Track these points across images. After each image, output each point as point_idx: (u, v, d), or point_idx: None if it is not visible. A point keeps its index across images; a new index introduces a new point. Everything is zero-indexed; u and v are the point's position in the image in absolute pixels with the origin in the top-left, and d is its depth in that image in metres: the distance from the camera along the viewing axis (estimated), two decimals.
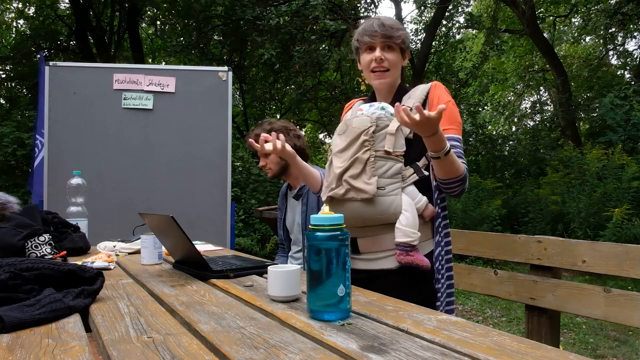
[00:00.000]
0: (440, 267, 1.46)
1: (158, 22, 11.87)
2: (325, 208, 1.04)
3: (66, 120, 3.33)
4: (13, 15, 11.70)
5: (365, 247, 1.48)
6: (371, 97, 1.66)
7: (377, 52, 1.52)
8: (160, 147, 3.43)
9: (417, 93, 1.51)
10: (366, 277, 1.43)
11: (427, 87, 1.52)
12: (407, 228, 1.39)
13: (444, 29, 11.08)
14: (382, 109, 1.48)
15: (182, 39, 9.12)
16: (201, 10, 8.49)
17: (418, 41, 11.21)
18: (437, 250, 1.47)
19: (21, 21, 11.59)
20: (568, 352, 0.76)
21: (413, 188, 1.45)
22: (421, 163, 1.47)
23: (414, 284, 1.43)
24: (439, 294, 1.46)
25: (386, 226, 1.42)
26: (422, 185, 1.46)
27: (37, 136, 4.20)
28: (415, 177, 1.44)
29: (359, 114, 1.52)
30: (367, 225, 1.44)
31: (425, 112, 1.24)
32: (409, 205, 1.41)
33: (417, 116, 1.24)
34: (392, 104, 1.52)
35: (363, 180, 1.39)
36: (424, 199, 1.45)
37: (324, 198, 1.52)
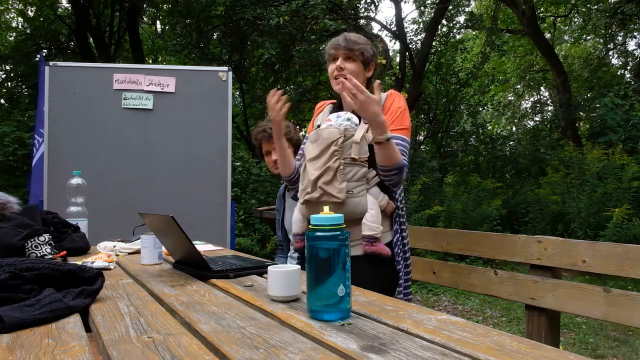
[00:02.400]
0: (399, 251, 1.73)
1: (158, 22, 11.88)
2: (325, 208, 1.04)
3: (66, 120, 3.33)
4: (13, 15, 11.71)
5: None
6: (339, 103, 1.87)
7: (339, 62, 1.75)
8: (160, 147, 3.43)
9: None
10: None
11: (384, 95, 1.75)
12: (372, 223, 1.63)
13: (444, 29, 11.07)
14: (348, 119, 1.69)
15: (181, 38, 9.10)
16: (201, 10, 8.48)
17: (418, 41, 11.20)
18: (395, 237, 1.73)
19: (20, 19, 11.60)
20: (568, 352, 0.76)
21: (376, 188, 1.68)
22: None
23: (377, 267, 1.68)
24: (401, 274, 1.72)
25: (354, 221, 1.63)
26: (382, 184, 1.70)
27: (36, 135, 4.21)
28: (377, 179, 1.68)
29: (327, 124, 1.72)
30: None
31: (364, 93, 1.50)
32: (373, 204, 1.65)
33: (360, 96, 1.49)
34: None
35: (335, 185, 1.61)
36: (386, 197, 1.70)
37: (300, 201, 1.73)
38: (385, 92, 1.79)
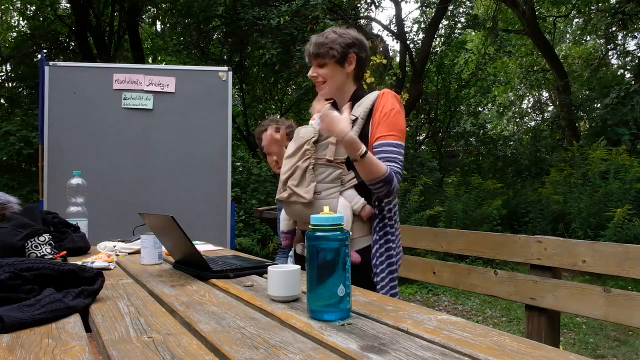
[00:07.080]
0: (378, 263, 1.59)
1: (158, 22, 11.88)
2: (325, 208, 1.04)
3: (66, 120, 3.33)
4: (14, 15, 11.71)
5: None
6: (334, 103, 1.78)
7: (310, 71, 1.72)
8: (160, 147, 3.43)
9: (366, 101, 1.63)
10: None
11: (375, 95, 1.64)
12: None
13: (447, 29, 11.06)
14: None
15: (182, 38, 9.11)
16: (202, 10, 8.49)
17: (419, 41, 11.20)
18: (374, 247, 1.59)
19: (21, 19, 11.60)
20: (568, 352, 0.76)
21: (352, 191, 1.58)
22: None
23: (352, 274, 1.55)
24: (378, 287, 1.59)
25: None
26: (365, 188, 1.58)
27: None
28: (355, 181, 1.58)
29: (310, 122, 1.68)
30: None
31: (327, 116, 1.46)
32: (343, 208, 1.56)
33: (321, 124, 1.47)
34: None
35: (302, 186, 1.56)
36: (361, 200, 1.58)
37: (275, 199, 1.70)
38: (379, 90, 1.68)
